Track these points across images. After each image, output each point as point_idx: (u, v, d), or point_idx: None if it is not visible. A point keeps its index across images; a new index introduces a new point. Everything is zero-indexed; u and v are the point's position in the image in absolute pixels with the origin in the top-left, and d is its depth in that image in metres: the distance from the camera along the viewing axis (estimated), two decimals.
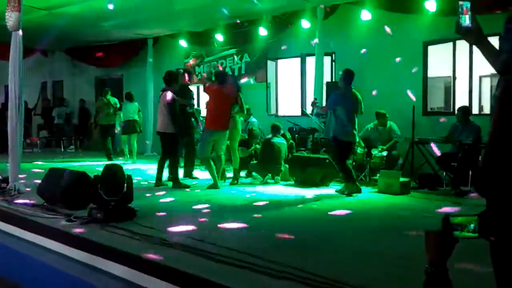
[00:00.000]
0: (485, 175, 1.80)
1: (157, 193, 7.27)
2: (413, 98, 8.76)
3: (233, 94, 7.82)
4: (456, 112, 8.02)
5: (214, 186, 7.70)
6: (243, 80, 11.65)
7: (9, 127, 7.10)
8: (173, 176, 7.90)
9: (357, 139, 7.59)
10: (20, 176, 7.16)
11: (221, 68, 10.27)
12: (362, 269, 3.67)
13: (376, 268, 3.71)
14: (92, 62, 15.93)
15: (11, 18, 6.96)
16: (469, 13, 1.95)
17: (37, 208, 5.89)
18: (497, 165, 1.73)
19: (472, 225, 1.67)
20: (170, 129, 7.87)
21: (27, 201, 6.28)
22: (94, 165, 9.56)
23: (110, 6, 9.06)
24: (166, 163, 8.00)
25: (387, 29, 8.97)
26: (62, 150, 15.38)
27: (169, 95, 7.92)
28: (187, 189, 7.73)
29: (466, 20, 1.95)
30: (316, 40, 9.92)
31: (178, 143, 8.15)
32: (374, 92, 8.99)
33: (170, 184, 7.96)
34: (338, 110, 7.18)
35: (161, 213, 5.79)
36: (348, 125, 7.19)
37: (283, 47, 11.19)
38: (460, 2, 1.95)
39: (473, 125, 7.61)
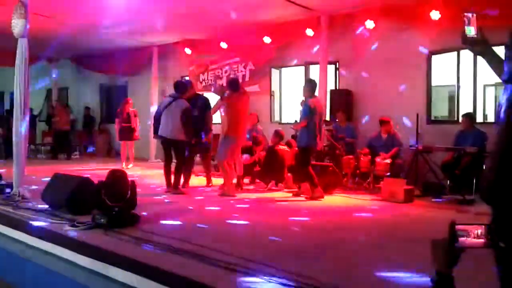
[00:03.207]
0: (492, 184, 1.80)
1: (160, 199, 7.28)
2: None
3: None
4: (460, 119, 8.02)
5: (229, 193, 7.61)
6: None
7: (14, 134, 7.14)
8: (177, 182, 7.95)
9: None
10: (24, 181, 7.17)
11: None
12: (361, 276, 3.66)
13: (375, 276, 3.70)
14: (97, 69, 16.01)
15: (17, 26, 7.03)
16: (475, 23, 1.96)
17: (41, 213, 5.90)
18: (504, 174, 1.73)
19: (478, 231, 1.66)
20: (183, 137, 7.91)
21: (31, 206, 6.30)
22: (98, 171, 9.58)
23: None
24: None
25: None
26: (66, 156, 15.41)
27: (186, 104, 7.98)
28: (184, 193, 7.90)
29: (471, 31, 1.96)
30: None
31: (184, 150, 8.18)
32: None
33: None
34: (312, 121, 7.46)
35: (164, 219, 5.80)
36: (316, 133, 7.51)
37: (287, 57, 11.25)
38: (466, 13, 1.95)
39: (479, 131, 7.60)
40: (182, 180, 8.27)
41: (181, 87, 8.26)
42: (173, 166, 8.06)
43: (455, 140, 7.86)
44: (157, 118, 8.20)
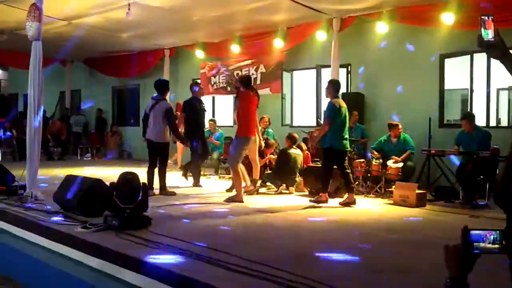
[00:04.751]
0: (506, 188, 1.77)
1: (170, 202, 7.30)
2: None
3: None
4: (461, 120, 7.91)
5: (236, 198, 7.41)
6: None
7: (28, 135, 7.20)
8: (163, 183, 8.00)
9: (348, 147, 7.59)
10: (37, 182, 7.23)
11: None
12: (370, 281, 3.64)
13: (383, 282, 3.67)
14: (109, 72, 16.14)
15: (31, 28, 7.10)
16: (492, 26, 1.92)
17: (53, 214, 5.94)
18: None
19: (493, 236, 1.64)
20: (166, 139, 7.96)
21: (43, 207, 6.35)
22: (110, 173, 9.62)
23: (128, 16, 9.16)
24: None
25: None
26: (79, 158, 15.56)
27: (167, 105, 7.98)
28: (175, 194, 7.91)
29: (488, 34, 1.92)
30: None
31: (168, 151, 8.28)
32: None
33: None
34: (336, 122, 7.28)
35: (175, 222, 5.81)
36: (341, 134, 7.31)
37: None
38: (482, 16, 1.91)
39: (482, 132, 7.50)
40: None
41: (161, 87, 8.22)
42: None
43: (458, 141, 7.75)
44: (145, 121, 8.20)
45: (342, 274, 3.78)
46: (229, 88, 12.55)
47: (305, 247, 4.70)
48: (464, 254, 1.66)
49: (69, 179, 6.54)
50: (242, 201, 7.36)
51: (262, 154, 9.16)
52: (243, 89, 7.76)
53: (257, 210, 6.85)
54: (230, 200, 7.42)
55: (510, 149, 1.91)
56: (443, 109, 9.36)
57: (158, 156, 7.97)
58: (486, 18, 1.90)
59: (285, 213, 6.68)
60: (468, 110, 9.09)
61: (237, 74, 12.33)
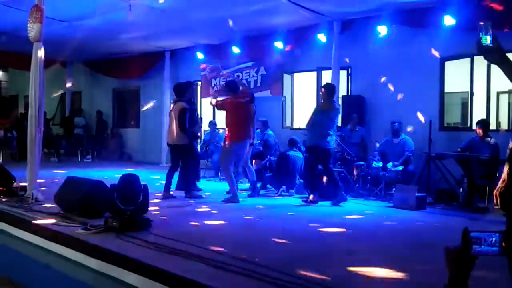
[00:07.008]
0: (507, 190, 1.78)
1: (171, 204, 7.30)
2: None
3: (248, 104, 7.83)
4: (475, 125, 7.92)
5: (232, 199, 7.54)
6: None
7: (28, 137, 7.20)
8: (189, 186, 7.96)
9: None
10: (37, 184, 7.23)
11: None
12: (370, 283, 3.64)
13: (383, 284, 3.67)
14: (110, 74, 16.15)
15: (33, 30, 7.10)
16: (490, 32, 1.94)
17: (54, 216, 5.95)
18: None
19: (492, 238, 1.65)
20: (183, 141, 7.86)
21: (44, 208, 6.35)
22: (111, 175, 9.63)
23: (129, 16, 9.18)
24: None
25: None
26: (79, 159, 15.57)
27: (181, 105, 7.89)
28: (203, 196, 7.90)
29: (487, 40, 1.94)
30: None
31: (190, 154, 8.09)
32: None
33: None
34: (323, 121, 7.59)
35: (175, 224, 5.82)
36: (330, 135, 7.59)
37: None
38: (481, 22, 1.94)
39: (491, 140, 7.50)
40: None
41: (178, 89, 8.20)
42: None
43: (466, 147, 7.74)
44: None
45: (340, 275, 3.78)
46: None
47: (302, 250, 4.70)
48: (464, 256, 1.67)
49: (70, 180, 6.55)
50: (238, 202, 7.48)
51: (262, 156, 9.19)
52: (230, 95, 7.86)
53: (257, 212, 6.86)
54: (227, 201, 7.54)
55: (509, 152, 1.93)
56: (443, 112, 9.36)
57: (180, 159, 7.98)
58: (485, 23, 1.92)
59: (284, 216, 6.68)
60: (468, 113, 9.10)
61: (238, 76, 12.34)
